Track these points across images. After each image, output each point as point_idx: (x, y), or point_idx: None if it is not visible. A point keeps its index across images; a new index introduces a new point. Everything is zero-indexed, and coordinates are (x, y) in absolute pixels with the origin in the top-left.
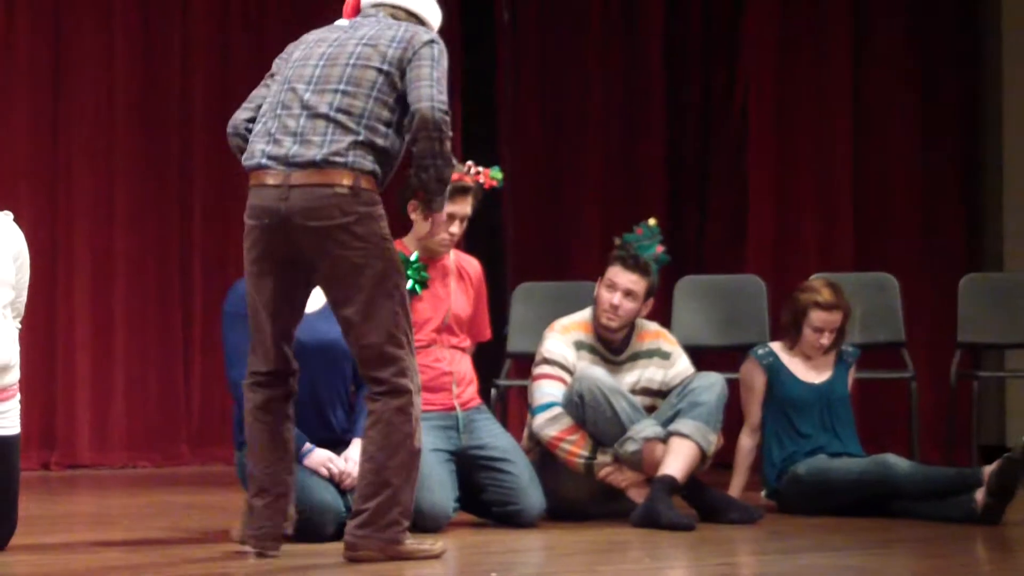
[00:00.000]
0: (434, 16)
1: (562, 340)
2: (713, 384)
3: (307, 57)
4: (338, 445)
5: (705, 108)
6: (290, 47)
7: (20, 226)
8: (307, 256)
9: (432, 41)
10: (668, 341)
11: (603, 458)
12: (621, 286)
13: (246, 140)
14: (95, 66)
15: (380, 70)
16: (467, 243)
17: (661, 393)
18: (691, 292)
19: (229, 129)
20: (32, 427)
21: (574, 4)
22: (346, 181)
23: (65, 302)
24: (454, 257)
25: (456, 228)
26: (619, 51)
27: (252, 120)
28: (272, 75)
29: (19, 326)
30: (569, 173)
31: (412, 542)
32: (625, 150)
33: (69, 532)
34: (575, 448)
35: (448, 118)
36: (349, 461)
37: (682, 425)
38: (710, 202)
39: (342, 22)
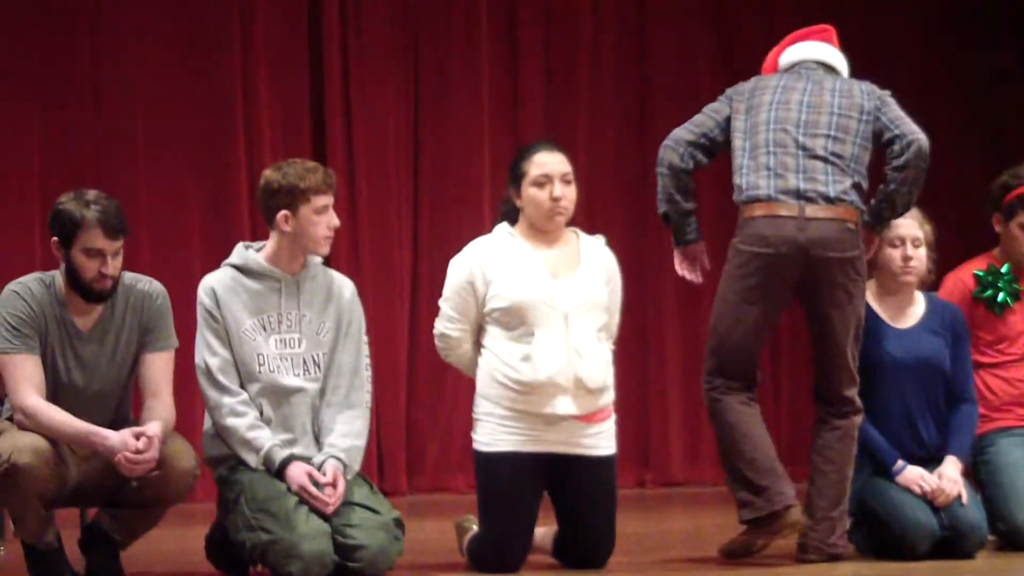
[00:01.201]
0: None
1: None
2: None
3: (784, 102)
4: (929, 462)
5: None
6: (745, 87)
7: (613, 250)
8: (814, 284)
9: (888, 91)
10: None
11: None
12: None
13: (680, 155)
14: None
15: (860, 120)
16: None
17: None
18: None
19: (668, 142)
20: (627, 446)
21: None
22: (852, 218)
23: (655, 322)
24: None
25: None
26: None
27: (693, 144)
28: (725, 113)
29: (612, 348)
30: None
31: None
32: None
33: (665, 550)
34: None
35: None
36: (943, 478)
37: None
38: None
39: (774, 78)
